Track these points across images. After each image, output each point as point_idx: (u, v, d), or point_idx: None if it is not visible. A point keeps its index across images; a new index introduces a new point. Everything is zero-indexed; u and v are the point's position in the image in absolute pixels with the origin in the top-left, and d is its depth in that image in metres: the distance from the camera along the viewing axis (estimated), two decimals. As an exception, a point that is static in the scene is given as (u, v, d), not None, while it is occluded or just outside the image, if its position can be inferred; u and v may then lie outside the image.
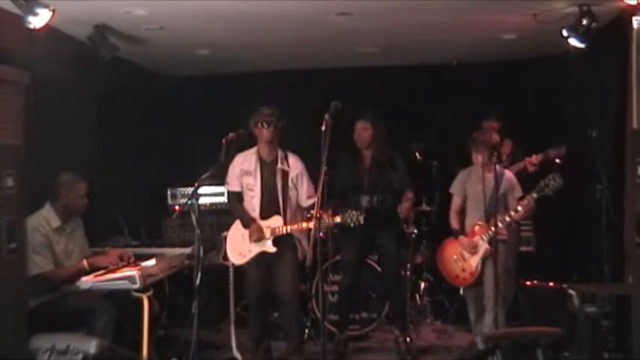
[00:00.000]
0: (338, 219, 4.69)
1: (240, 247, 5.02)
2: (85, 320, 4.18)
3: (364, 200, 5.38)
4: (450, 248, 5.26)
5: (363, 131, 5.40)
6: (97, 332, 4.09)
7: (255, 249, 4.96)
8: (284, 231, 4.88)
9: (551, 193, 4.76)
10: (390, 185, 5.40)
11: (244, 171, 5.01)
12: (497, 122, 5.84)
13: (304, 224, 4.85)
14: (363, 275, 5.63)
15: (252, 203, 4.99)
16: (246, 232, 4.99)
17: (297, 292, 5.10)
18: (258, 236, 4.92)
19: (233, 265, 5.17)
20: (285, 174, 4.97)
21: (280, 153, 5.00)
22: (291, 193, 4.97)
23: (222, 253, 5.23)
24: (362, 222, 4.72)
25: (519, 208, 4.89)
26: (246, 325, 5.33)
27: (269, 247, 4.91)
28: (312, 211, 4.56)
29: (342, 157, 5.46)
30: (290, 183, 4.96)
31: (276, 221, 4.92)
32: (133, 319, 4.33)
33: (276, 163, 4.98)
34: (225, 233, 5.23)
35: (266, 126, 4.89)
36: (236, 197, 5.11)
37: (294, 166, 5.00)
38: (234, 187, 5.09)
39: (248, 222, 4.98)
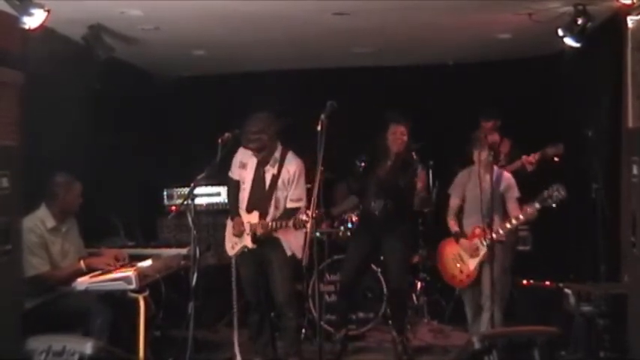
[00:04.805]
0: None
1: (232, 239, 5.03)
2: (81, 321, 4.18)
3: (375, 205, 5.28)
4: (450, 248, 5.25)
5: (403, 136, 5.26)
6: (93, 333, 4.09)
7: (239, 242, 4.96)
8: (259, 229, 4.80)
9: (554, 205, 4.71)
10: (399, 190, 5.27)
11: (242, 163, 5.02)
12: (493, 121, 5.83)
13: (278, 224, 4.76)
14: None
15: (243, 196, 5.00)
16: None
17: (291, 296, 5.00)
18: (238, 230, 4.91)
19: (236, 261, 5.08)
20: (274, 177, 4.90)
21: (277, 154, 4.92)
22: (280, 193, 4.88)
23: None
24: None
25: (521, 216, 4.86)
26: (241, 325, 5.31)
27: (247, 241, 4.88)
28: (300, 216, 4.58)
29: (374, 162, 5.31)
30: (280, 184, 4.88)
31: (254, 217, 4.89)
32: (129, 319, 4.32)
33: (269, 164, 4.92)
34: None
35: (250, 145, 4.85)
36: (234, 185, 5.10)
37: (288, 168, 4.90)
38: (234, 176, 5.09)
39: (233, 215, 5.02)
